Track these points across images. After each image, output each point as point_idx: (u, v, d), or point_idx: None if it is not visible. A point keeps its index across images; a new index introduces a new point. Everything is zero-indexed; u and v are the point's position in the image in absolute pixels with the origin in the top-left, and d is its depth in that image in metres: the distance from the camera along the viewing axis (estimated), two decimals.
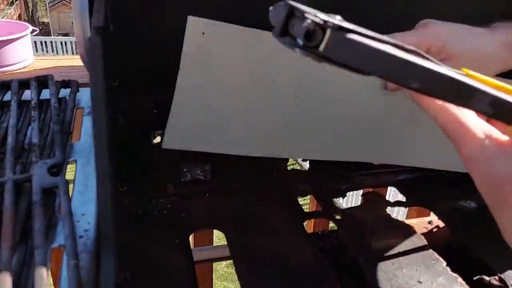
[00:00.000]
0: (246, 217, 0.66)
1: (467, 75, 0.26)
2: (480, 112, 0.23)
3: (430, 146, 0.69)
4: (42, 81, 0.58)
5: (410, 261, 0.60)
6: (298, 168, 0.80)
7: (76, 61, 0.87)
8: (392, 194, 1.76)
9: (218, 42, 0.55)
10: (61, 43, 8.20)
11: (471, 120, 0.26)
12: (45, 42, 8.03)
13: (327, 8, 0.26)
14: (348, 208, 0.71)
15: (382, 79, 0.21)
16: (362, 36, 0.20)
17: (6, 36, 0.79)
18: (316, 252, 0.60)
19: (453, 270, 0.59)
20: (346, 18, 0.21)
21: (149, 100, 0.62)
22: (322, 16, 0.20)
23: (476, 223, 0.70)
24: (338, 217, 0.68)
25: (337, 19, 0.20)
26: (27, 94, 0.56)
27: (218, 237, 0.96)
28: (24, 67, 0.84)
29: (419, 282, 0.57)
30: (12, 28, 0.85)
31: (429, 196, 0.75)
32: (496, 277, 0.59)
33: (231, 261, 0.60)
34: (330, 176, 0.75)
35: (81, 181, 0.44)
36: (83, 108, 0.57)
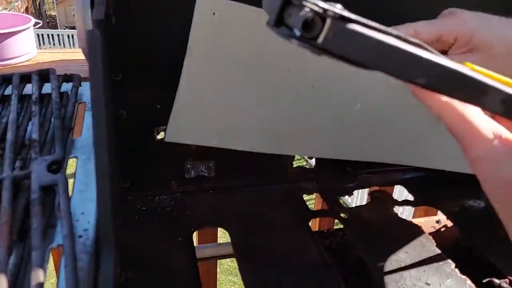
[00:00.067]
0: (250, 215, 0.65)
1: (472, 70, 0.25)
2: (491, 110, 0.21)
3: (437, 146, 0.68)
4: (44, 75, 0.57)
5: (417, 262, 0.59)
6: (305, 165, 0.79)
7: (80, 54, 0.86)
8: (398, 192, 1.74)
9: (230, 24, 0.50)
10: (68, 36, 8.20)
11: (479, 119, 0.25)
12: (52, 35, 8.03)
13: None
14: (354, 207, 0.70)
15: (386, 74, 0.20)
16: (365, 26, 0.19)
17: (10, 28, 0.78)
18: (321, 251, 0.59)
19: (462, 271, 0.58)
20: (347, 7, 0.19)
21: (153, 95, 0.60)
22: (321, 4, 0.18)
23: (485, 223, 0.68)
24: (344, 216, 0.66)
25: (337, 8, 0.18)
26: (29, 88, 0.55)
27: (223, 231, 0.95)
28: (26, 61, 0.83)
29: (427, 284, 0.55)
30: (15, 21, 0.84)
31: (437, 195, 0.74)
32: (507, 280, 0.58)
33: None
34: (336, 174, 0.74)
35: (81, 178, 0.43)
36: (85, 102, 0.56)
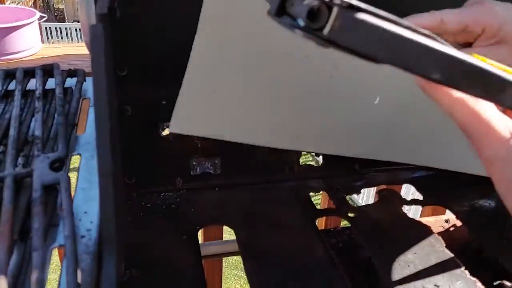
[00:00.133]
0: (256, 213, 0.64)
1: (489, 64, 0.23)
2: (506, 106, 0.20)
3: (451, 147, 0.66)
4: (48, 70, 0.56)
5: (426, 263, 0.58)
6: (312, 162, 0.77)
7: (85, 48, 0.86)
8: (405, 190, 1.73)
9: (241, 12, 0.48)
10: (76, 29, 8.21)
11: (495, 117, 0.23)
12: (60, 28, 8.05)
13: None
14: (362, 206, 0.69)
15: (397, 68, 0.18)
16: (375, 16, 0.17)
17: (14, 22, 0.77)
18: (328, 250, 0.58)
19: (471, 273, 0.57)
20: None
21: (159, 90, 0.59)
22: None
23: (496, 223, 0.67)
24: (352, 215, 0.65)
25: None
26: (33, 83, 0.54)
27: (229, 228, 0.95)
28: (31, 55, 0.83)
29: (436, 286, 0.54)
30: (20, 15, 0.83)
31: (446, 194, 0.72)
32: None
33: None
34: (343, 172, 0.72)
35: (85, 176, 0.42)
36: (89, 98, 0.56)
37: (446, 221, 0.74)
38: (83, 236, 0.35)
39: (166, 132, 0.62)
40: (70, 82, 0.57)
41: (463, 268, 0.57)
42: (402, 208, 0.69)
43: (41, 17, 0.87)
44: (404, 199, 0.71)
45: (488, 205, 0.71)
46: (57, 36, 7.99)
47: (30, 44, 0.81)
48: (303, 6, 0.17)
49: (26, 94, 0.52)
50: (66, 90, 0.54)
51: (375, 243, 0.61)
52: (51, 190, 0.38)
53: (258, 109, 0.58)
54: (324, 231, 0.74)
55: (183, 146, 0.63)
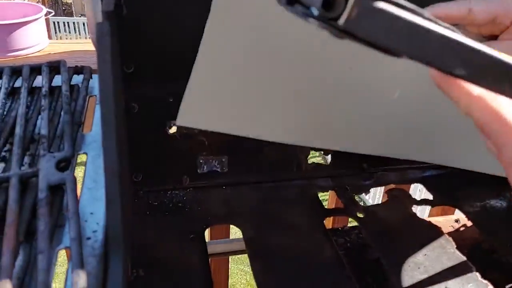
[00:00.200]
0: (263, 212, 0.63)
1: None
2: None
3: (462, 144, 0.65)
4: (55, 66, 0.56)
5: (437, 265, 0.57)
6: (320, 161, 0.76)
7: (92, 45, 0.85)
8: (412, 189, 1.71)
9: (253, 3, 0.46)
10: (84, 24, 8.22)
11: None
12: (68, 23, 8.07)
13: None
14: (371, 206, 0.68)
15: (416, 62, 0.17)
16: (394, 5, 0.16)
17: (21, 18, 0.77)
18: (336, 250, 0.57)
19: (483, 275, 0.56)
20: None
21: (166, 88, 0.59)
22: None
23: (508, 224, 0.66)
24: (360, 215, 0.64)
25: None
26: (39, 81, 0.54)
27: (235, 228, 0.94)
28: (37, 51, 0.82)
29: None
30: (27, 10, 0.82)
31: (457, 194, 0.71)
32: None
33: None
34: (352, 171, 0.71)
35: (91, 176, 0.41)
36: (96, 96, 0.55)
37: (456, 221, 0.73)
38: (88, 238, 0.34)
39: (173, 129, 0.62)
40: (77, 79, 0.57)
41: (474, 270, 0.56)
42: (412, 208, 0.68)
43: (48, 13, 0.87)
44: (414, 198, 0.70)
45: (500, 205, 0.69)
46: (65, 31, 8.01)
47: (36, 40, 0.81)
48: None
49: (33, 91, 0.52)
50: (72, 88, 0.54)
51: (384, 244, 0.60)
52: (57, 190, 0.37)
53: (266, 103, 0.57)
54: (332, 230, 0.74)
55: (190, 144, 0.62)
